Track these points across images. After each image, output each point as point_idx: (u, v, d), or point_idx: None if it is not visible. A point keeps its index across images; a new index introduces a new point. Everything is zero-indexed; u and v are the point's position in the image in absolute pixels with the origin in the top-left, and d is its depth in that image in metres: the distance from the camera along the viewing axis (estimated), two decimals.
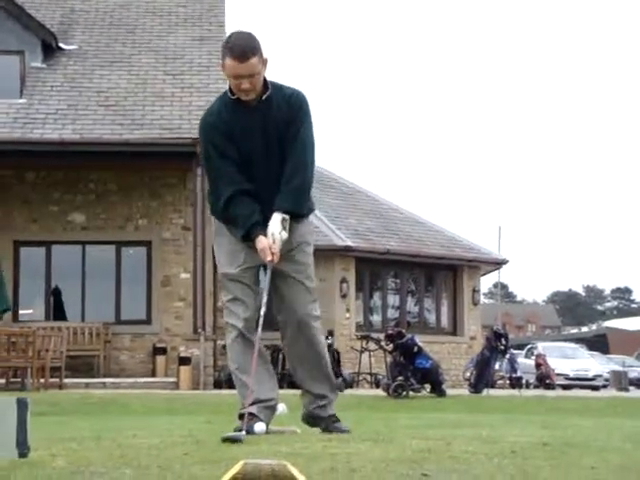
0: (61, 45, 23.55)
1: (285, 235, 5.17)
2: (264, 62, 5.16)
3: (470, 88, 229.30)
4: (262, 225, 5.17)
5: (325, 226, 25.01)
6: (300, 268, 5.38)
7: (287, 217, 5.20)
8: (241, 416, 5.20)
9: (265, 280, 5.23)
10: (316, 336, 5.42)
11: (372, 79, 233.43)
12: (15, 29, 22.70)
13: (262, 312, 5.20)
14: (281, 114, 5.23)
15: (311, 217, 5.57)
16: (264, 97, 5.22)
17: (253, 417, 5.21)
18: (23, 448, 2.74)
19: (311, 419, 5.53)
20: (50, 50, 23.25)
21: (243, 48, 5.07)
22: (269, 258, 5.13)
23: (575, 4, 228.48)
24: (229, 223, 5.34)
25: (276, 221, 5.17)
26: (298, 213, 5.29)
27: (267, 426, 5.28)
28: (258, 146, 5.25)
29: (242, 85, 5.14)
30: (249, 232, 5.19)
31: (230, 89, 5.25)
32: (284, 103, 5.25)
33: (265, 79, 5.21)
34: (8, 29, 22.61)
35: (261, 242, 5.14)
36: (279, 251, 5.15)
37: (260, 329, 5.16)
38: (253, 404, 5.25)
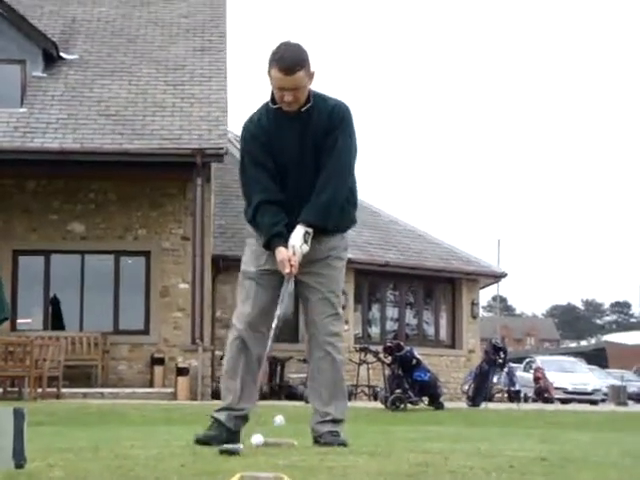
0: (62, 54, 23.58)
1: (306, 248, 5.13)
2: (310, 75, 5.13)
3: (470, 100, 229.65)
4: (284, 236, 5.14)
5: None
6: (324, 281, 5.32)
7: (310, 230, 5.16)
8: (213, 420, 5.36)
9: (283, 292, 5.18)
10: (327, 351, 5.32)
11: (372, 91, 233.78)
12: (16, 38, 22.73)
13: (274, 325, 5.16)
14: (321, 124, 5.20)
15: (347, 233, 5.48)
16: (304, 108, 5.19)
17: (220, 426, 5.29)
18: (20, 459, 2.73)
19: (312, 433, 5.46)
20: (51, 59, 23.28)
21: (291, 61, 5.04)
22: (287, 270, 5.10)
23: (575, 6, 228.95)
24: (257, 229, 5.33)
25: (298, 234, 5.13)
26: (321, 227, 5.21)
27: (239, 434, 5.28)
28: (294, 156, 5.22)
29: (285, 97, 5.12)
30: (270, 242, 5.17)
31: (272, 97, 5.22)
32: (325, 114, 5.21)
33: (310, 91, 5.19)
34: (9, 38, 22.64)
35: (281, 253, 5.12)
36: (298, 264, 5.11)
37: (271, 342, 5.13)
38: (223, 410, 5.32)
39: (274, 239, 5.16)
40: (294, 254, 5.10)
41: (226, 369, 5.38)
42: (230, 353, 5.36)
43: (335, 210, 5.27)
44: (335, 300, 5.34)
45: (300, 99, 5.14)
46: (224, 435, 5.24)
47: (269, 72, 5.10)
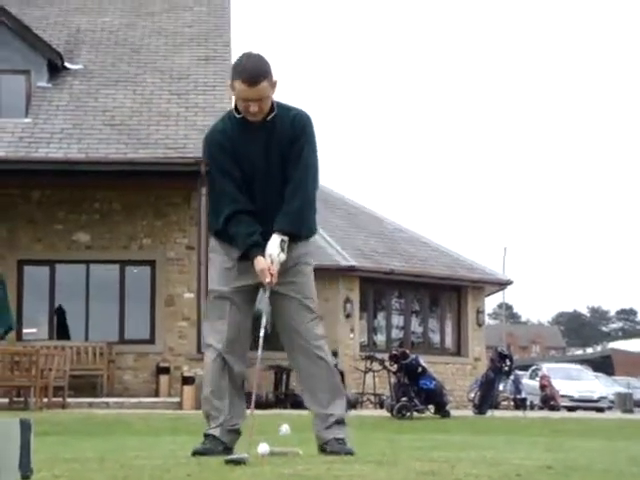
0: (67, 65, 23.64)
1: (283, 257, 5.17)
2: (273, 85, 5.18)
3: (476, 108, 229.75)
4: (261, 246, 5.17)
5: (330, 246, 25.01)
6: (297, 287, 5.34)
7: (286, 239, 5.19)
8: (206, 436, 5.34)
9: (264, 302, 5.23)
10: (317, 355, 5.34)
11: (378, 99, 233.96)
12: (21, 48, 22.80)
13: (262, 334, 5.18)
14: (285, 134, 5.25)
15: (312, 238, 5.52)
16: (269, 117, 5.24)
17: (215, 440, 5.29)
18: (26, 470, 2.73)
19: (317, 440, 5.44)
20: (56, 69, 23.34)
21: (254, 72, 5.08)
22: (267, 280, 5.13)
23: (575, 6, 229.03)
24: (227, 242, 5.32)
25: (275, 243, 5.17)
26: (296, 234, 5.27)
27: (232, 448, 5.29)
28: (260, 165, 5.26)
29: (250, 108, 5.16)
30: (248, 252, 5.19)
31: (236, 107, 5.27)
32: (288, 123, 5.26)
33: (272, 100, 5.24)
34: (14, 48, 22.70)
35: (260, 263, 5.14)
36: (277, 272, 5.14)
37: (260, 350, 5.14)
38: (217, 427, 5.32)
39: (252, 249, 5.17)
40: (272, 263, 5.13)
41: (212, 389, 5.34)
42: (212, 373, 5.34)
43: (307, 217, 5.33)
44: (312, 305, 5.37)
45: (264, 109, 5.19)
46: (220, 448, 5.25)
47: (232, 85, 5.15)
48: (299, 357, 5.39)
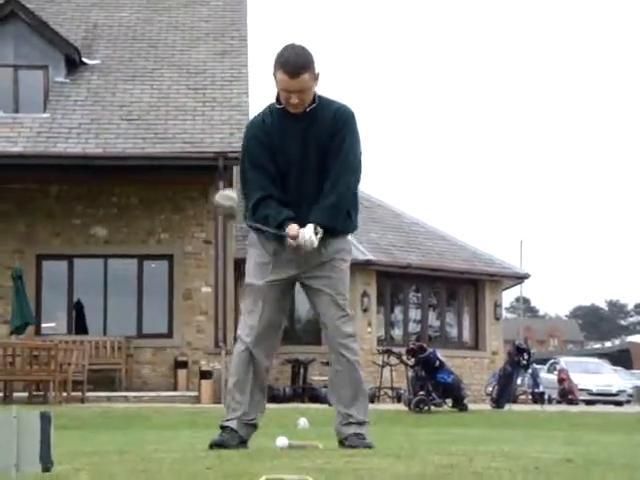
0: (84, 60, 23.70)
1: (315, 242, 5.14)
2: (316, 77, 5.17)
3: (493, 101, 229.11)
4: (294, 219, 5.15)
5: None
6: (330, 283, 5.33)
7: (320, 229, 5.17)
8: (223, 428, 5.37)
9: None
10: (341, 353, 5.33)
11: (392, 90, 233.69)
12: (39, 44, 22.86)
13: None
14: (325, 127, 5.23)
15: (349, 236, 5.51)
16: (309, 108, 5.23)
17: (232, 432, 5.32)
18: (47, 462, 2.75)
19: (337, 435, 5.46)
20: (73, 65, 23.40)
21: (296, 64, 5.08)
22: (293, 232, 5.10)
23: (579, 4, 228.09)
24: (258, 226, 5.29)
25: (309, 228, 5.15)
26: (330, 228, 5.23)
27: (247, 441, 5.33)
28: (296, 157, 5.25)
29: (291, 100, 5.16)
30: (282, 223, 5.16)
31: (277, 97, 5.26)
32: (330, 116, 5.25)
33: (315, 93, 5.23)
34: (32, 44, 22.78)
35: (292, 229, 5.12)
36: (306, 246, 5.11)
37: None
38: (234, 419, 5.34)
39: (286, 221, 5.16)
40: (304, 244, 5.11)
41: (234, 382, 5.39)
42: (238, 365, 5.39)
43: (343, 211, 5.30)
44: (343, 302, 5.36)
45: (305, 101, 5.19)
46: (236, 441, 5.28)
47: (274, 74, 5.15)
48: (330, 352, 5.42)
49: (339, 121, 5.26)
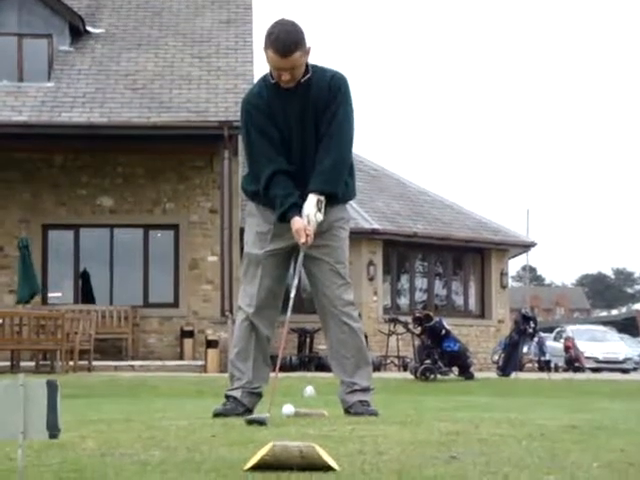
0: (88, 28, 23.60)
1: (320, 217, 5.15)
2: (307, 52, 5.14)
3: (498, 70, 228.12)
4: (299, 206, 5.15)
5: (352, 209, 24.95)
6: (329, 251, 5.34)
7: (322, 198, 5.17)
8: (228, 397, 5.40)
9: (298, 263, 5.23)
10: (343, 321, 5.34)
11: (399, 60, 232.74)
12: (43, 13, 22.77)
13: (292, 295, 5.19)
14: (321, 96, 5.22)
15: (347, 205, 5.52)
16: (304, 79, 5.20)
17: (235, 401, 5.33)
18: (54, 430, 2.75)
19: (342, 404, 5.47)
20: (78, 33, 23.31)
21: (286, 43, 5.04)
22: (302, 240, 5.11)
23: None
24: (263, 204, 5.32)
25: (311, 203, 5.15)
26: (331, 193, 5.22)
27: (252, 410, 5.33)
28: (296, 128, 5.25)
29: (283, 77, 5.13)
30: (286, 213, 5.16)
31: (271, 73, 5.23)
32: (324, 85, 5.23)
33: (307, 64, 5.20)
34: (36, 13, 22.69)
35: (297, 223, 5.12)
36: (313, 233, 5.13)
37: (290, 312, 5.14)
38: (238, 389, 5.36)
39: (290, 209, 5.16)
40: (309, 223, 5.11)
41: (237, 351, 5.39)
42: (240, 335, 5.40)
43: (341, 174, 5.29)
44: (343, 270, 5.36)
45: (297, 76, 5.16)
46: (240, 410, 5.29)
47: (265, 52, 5.11)
48: (329, 321, 5.41)
49: (333, 89, 5.24)
